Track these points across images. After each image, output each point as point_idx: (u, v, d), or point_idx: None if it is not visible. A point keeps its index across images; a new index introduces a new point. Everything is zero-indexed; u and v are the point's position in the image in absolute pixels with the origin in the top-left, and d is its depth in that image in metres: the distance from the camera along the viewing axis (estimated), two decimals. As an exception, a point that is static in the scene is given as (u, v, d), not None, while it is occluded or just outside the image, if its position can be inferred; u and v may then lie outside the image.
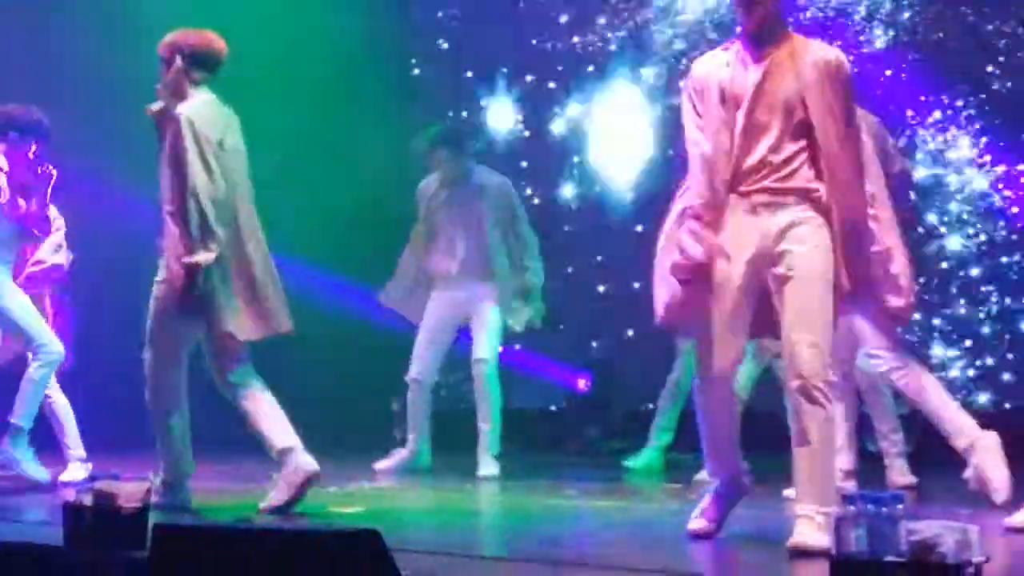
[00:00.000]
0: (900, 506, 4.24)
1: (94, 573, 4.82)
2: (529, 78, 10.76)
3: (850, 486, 6.56)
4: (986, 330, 9.24)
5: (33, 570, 4.89)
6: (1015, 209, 9.13)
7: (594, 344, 10.37)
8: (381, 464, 8.52)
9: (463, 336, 8.72)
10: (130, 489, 5.00)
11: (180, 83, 6.33)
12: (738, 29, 5.40)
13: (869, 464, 7.40)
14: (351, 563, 4.06)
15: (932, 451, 7.59)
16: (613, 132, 10.47)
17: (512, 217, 8.56)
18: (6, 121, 7.63)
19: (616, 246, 10.22)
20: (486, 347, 8.44)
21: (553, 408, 10.45)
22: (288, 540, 4.20)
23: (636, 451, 8.96)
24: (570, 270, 10.24)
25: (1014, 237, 9.17)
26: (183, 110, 6.25)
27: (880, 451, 7.47)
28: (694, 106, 5.31)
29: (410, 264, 8.68)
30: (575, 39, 10.57)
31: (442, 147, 8.58)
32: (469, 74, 10.98)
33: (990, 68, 9.14)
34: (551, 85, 10.69)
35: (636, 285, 10.15)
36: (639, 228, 10.17)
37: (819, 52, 5.25)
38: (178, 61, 6.33)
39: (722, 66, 5.28)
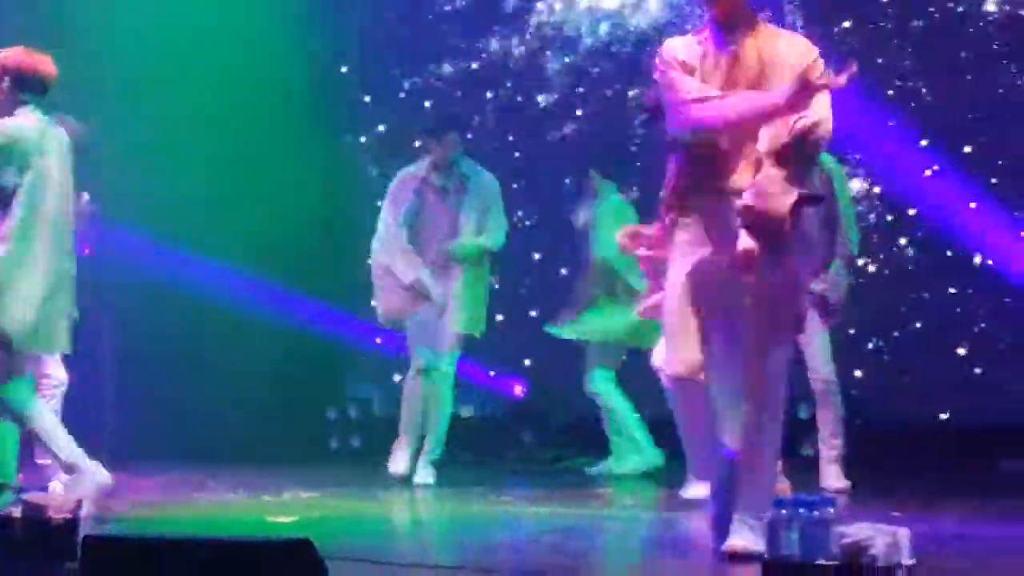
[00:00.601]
0: (832, 510, 4.28)
1: (24, 585, 4.79)
2: (428, 103, 10.72)
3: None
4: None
5: (-39, 583, 4.85)
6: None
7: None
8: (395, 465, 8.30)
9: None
10: (60, 500, 4.98)
11: (7, 103, 6.51)
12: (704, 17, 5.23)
13: (802, 468, 7.43)
14: (284, 573, 4.03)
15: (865, 456, 7.68)
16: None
17: (490, 207, 8.39)
18: None
19: (539, 276, 10.20)
20: (444, 353, 8.31)
21: (488, 415, 10.42)
22: (220, 550, 4.17)
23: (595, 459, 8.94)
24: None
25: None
26: None
27: (816, 454, 7.52)
28: (676, 68, 5.09)
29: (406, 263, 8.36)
30: (473, 65, 10.56)
31: (452, 129, 8.49)
32: (367, 99, 10.96)
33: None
34: (452, 111, 10.64)
35: (533, 313, 10.11)
36: (536, 256, 10.16)
37: (784, 39, 5.13)
38: (5, 82, 6.50)
39: (693, 45, 5.12)
